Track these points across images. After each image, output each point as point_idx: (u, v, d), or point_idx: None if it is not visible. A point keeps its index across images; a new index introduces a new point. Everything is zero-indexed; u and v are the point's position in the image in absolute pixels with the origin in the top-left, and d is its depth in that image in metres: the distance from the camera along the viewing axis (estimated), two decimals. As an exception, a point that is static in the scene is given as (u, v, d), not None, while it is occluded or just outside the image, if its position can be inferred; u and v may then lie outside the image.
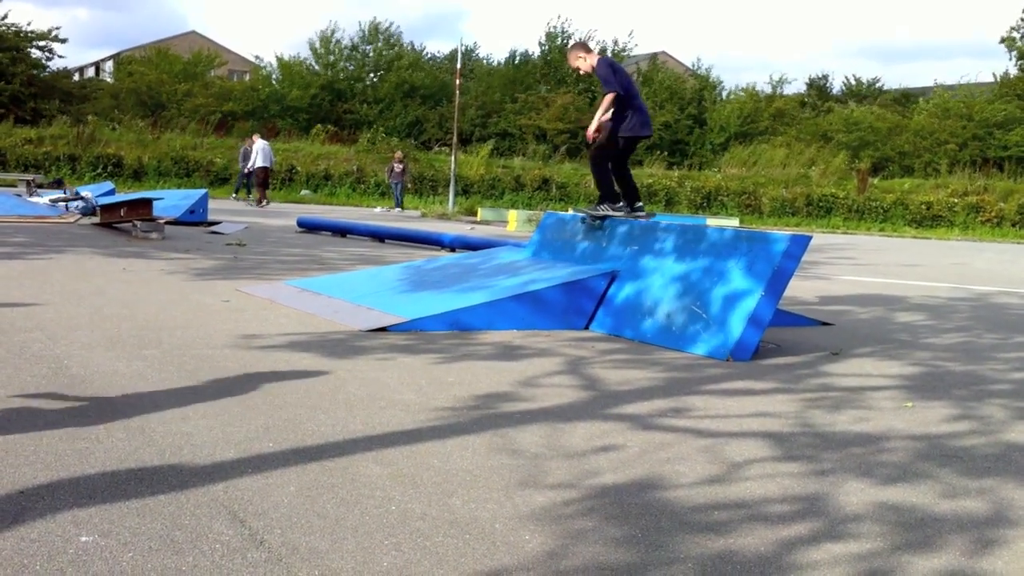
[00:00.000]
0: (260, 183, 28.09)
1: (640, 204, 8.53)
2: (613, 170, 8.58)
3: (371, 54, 52.90)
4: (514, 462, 3.66)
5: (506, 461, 3.66)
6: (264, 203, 27.39)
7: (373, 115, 48.69)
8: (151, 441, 3.65)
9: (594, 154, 8.51)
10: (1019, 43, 46.37)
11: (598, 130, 8.38)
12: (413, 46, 55.99)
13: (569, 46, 8.72)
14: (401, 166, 31.78)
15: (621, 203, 8.36)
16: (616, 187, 8.43)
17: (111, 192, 21.29)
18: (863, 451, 4.09)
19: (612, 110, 8.23)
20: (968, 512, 3.35)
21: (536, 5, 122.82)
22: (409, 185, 32.04)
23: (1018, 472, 3.90)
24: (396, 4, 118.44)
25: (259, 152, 27.68)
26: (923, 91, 52.75)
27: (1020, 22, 46.78)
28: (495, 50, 71.63)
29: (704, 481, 3.54)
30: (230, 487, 3.19)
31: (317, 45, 52.48)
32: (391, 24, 54.55)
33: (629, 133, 8.25)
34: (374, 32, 53.13)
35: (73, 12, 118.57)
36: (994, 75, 50.90)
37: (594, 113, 8.44)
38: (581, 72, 8.60)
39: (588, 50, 8.47)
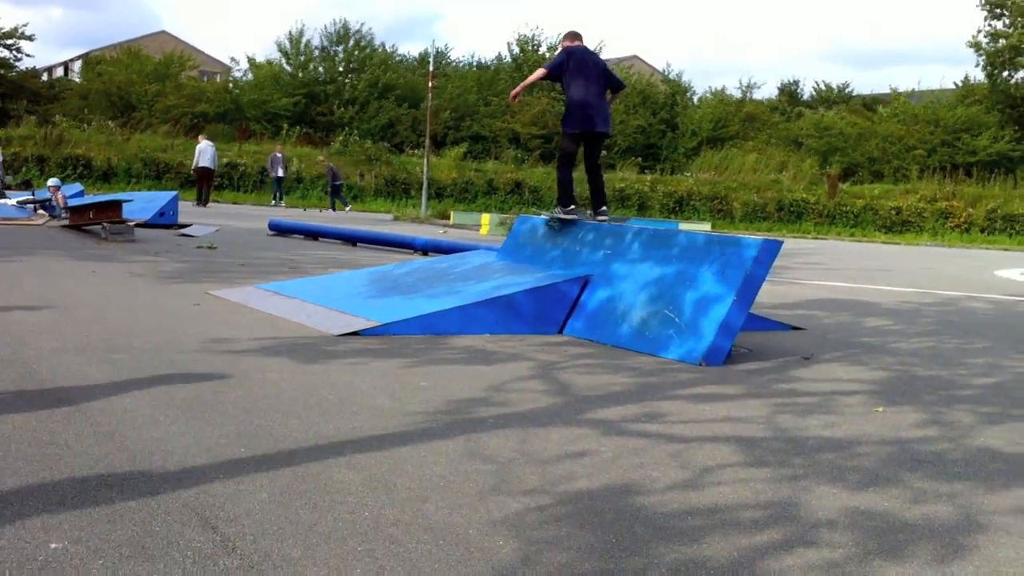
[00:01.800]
0: (203, 184, 28.16)
1: (604, 208, 8.59)
2: (585, 172, 8.69)
3: (341, 55, 52.66)
4: (487, 467, 3.65)
5: (480, 467, 3.66)
6: (205, 205, 27.38)
7: (348, 117, 48.51)
8: (121, 447, 3.62)
9: (558, 156, 8.73)
10: (985, 47, 46.89)
11: (516, 95, 8.87)
12: (384, 47, 55.81)
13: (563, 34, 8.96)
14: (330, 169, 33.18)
15: (573, 206, 8.40)
16: (572, 190, 8.49)
17: (80, 194, 21.11)
18: (834, 456, 4.12)
19: (565, 104, 8.39)
20: (939, 517, 3.38)
21: (511, 8, 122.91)
22: (328, 190, 33.02)
23: (987, 477, 3.94)
24: (370, 6, 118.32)
25: (202, 152, 27.81)
26: (894, 96, 53.22)
27: (987, 26, 47.24)
28: (470, 52, 71.73)
29: (677, 486, 3.55)
30: (201, 493, 3.17)
31: (287, 46, 52.20)
32: (361, 24, 54.38)
33: (570, 129, 8.38)
34: (344, 33, 52.89)
35: (47, 11, 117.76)
36: (954, 83, 51.56)
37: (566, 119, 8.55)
38: None
39: (572, 38, 8.65)
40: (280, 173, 32.93)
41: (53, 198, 17.75)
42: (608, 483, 3.55)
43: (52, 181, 19.04)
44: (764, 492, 3.54)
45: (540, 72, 8.51)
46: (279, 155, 33.16)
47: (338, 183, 33.10)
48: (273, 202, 32.66)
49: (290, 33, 52.61)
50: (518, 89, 8.78)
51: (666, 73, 57.28)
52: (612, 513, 3.22)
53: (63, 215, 16.73)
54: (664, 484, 3.57)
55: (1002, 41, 46.07)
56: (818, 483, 3.70)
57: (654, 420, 4.63)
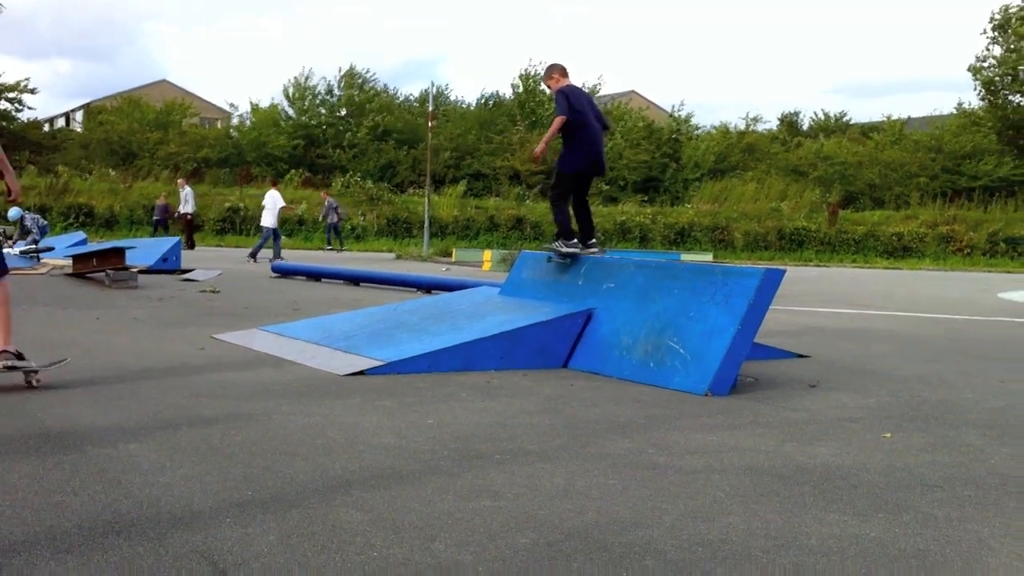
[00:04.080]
0: (187, 228, 28.17)
1: (593, 241, 8.53)
2: (573, 206, 8.61)
3: (341, 99, 53.08)
4: (496, 504, 3.64)
5: (488, 503, 3.64)
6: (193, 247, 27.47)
7: (347, 159, 48.76)
8: (128, 493, 3.61)
9: (552, 192, 8.61)
10: (985, 72, 47.18)
11: (542, 151, 8.47)
12: (387, 88, 56.24)
13: (548, 65, 8.71)
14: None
15: (574, 240, 8.37)
16: (571, 224, 8.44)
17: (83, 242, 21.25)
18: (843, 483, 4.10)
19: (564, 145, 8.28)
20: (951, 543, 3.35)
21: (513, 47, 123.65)
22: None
23: (998, 501, 3.91)
24: (376, 51, 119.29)
25: (187, 199, 27.82)
26: (900, 122, 53.51)
27: (985, 51, 47.61)
28: (473, 92, 72.07)
29: (686, 518, 3.53)
30: (210, 537, 3.15)
31: (291, 91, 52.63)
32: (365, 70, 54.92)
33: (573, 170, 8.32)
34: (349, 77, 53.34)
35: (54, 64, 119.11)
36: (953, 109, 51.81)
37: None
38: (550, 92, 8.65)
39: (563, 74, 8.45)
40: (331, 219, 32.76)
41: (29, 228, 18.57)
42: (618, 516, 3.53)
43: (13, 212, 19.70)
44: (774, 521, 3.52)
45: (559, 121, 8.13)
46: (327, 200, 33.14)
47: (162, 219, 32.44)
48: (327, 247, 32.51)
49: (295, 78, 53.14)
50: (541, 147, 8.39)
51: (674, 109, 57.60)
52: (622, 547, 3.20)
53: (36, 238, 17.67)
54: (674, 516, 3.55)
55: (1002, 67, 46.31)
56: (828, 511, 3.68)
57: (662, 451, 4.62)
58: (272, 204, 23.16)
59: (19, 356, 5.61)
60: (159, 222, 32.54)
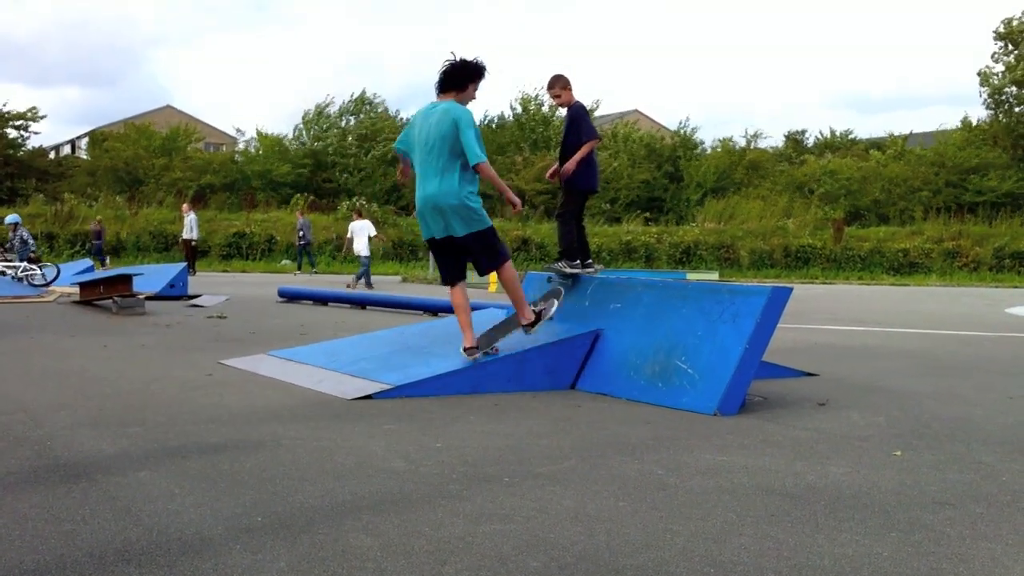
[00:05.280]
0: (190, 254, 28.25)
1: (590, 261, 8.49)
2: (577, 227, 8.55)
3: (353, 125, 53.31)
4: (506, 527, 3.63)
5: (498, 527, 3.63)
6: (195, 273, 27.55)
7: (353, 183, 48.86)
8: (138, 520, 3.61)
9: (563, 210, 8.52)
10: (993, 80, 47.24)
11: (570, 171, 8.04)
12: (390, 111, 56.45)
13: (554, 75, 8.41)
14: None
15: (578, 260, 8.35)
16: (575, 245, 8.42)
17: (90, 269, 21.32)
18: (855, 503, 4.08)
19: (583, 171, 8.19)
20: (963, 561, 3.33)
21: (513, 68, 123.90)
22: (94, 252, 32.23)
23: (1010, 518, 3.89)
24: (382, 75, 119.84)
25: (191, 225, 27.97)
26: (902, 138, 53.63)
27: (999, 51, 47.52)
28: (477, 113, 71.95)
29: (698, 539, 3.52)
30: (220, 564, 3.15)
31: (311, 115, 52.88)
32: (374, 95, 55.16)
33: (586, 187, 8.31)
34: (360, 103, 53.58)
35: (62, 92, 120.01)
36: (958, 123, 51.87)
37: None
38: (557, 104, 8.51)
39: (572, 88, 8.34)
40: (303, 240, 31.72)
41: (15, 238, 18.77)
42: (628, 539, 3.52)
43: (10, 218, 19.92)
44: (786, 542, 3.51)
45: (594, 144, 8.04)
46: (299, 219, 32.25)
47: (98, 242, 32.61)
48: (297, 272, 31.79)
49: (318, 104, 53.47)
50: (573, 166, 8.01)
51: (680, 127, 57.66)
52: (633, 570, 3.18)
53: (32, 252, 17.85)
54: (685, 537, 3.54)
55: (1010, 74, 46.40)
56: (839, 531, 3.66)
57: (671, 472, 4.60)
58: (362, 232, 24.05)
59: (478, 347, 7.15)
60: (99, 248, 32.40)
